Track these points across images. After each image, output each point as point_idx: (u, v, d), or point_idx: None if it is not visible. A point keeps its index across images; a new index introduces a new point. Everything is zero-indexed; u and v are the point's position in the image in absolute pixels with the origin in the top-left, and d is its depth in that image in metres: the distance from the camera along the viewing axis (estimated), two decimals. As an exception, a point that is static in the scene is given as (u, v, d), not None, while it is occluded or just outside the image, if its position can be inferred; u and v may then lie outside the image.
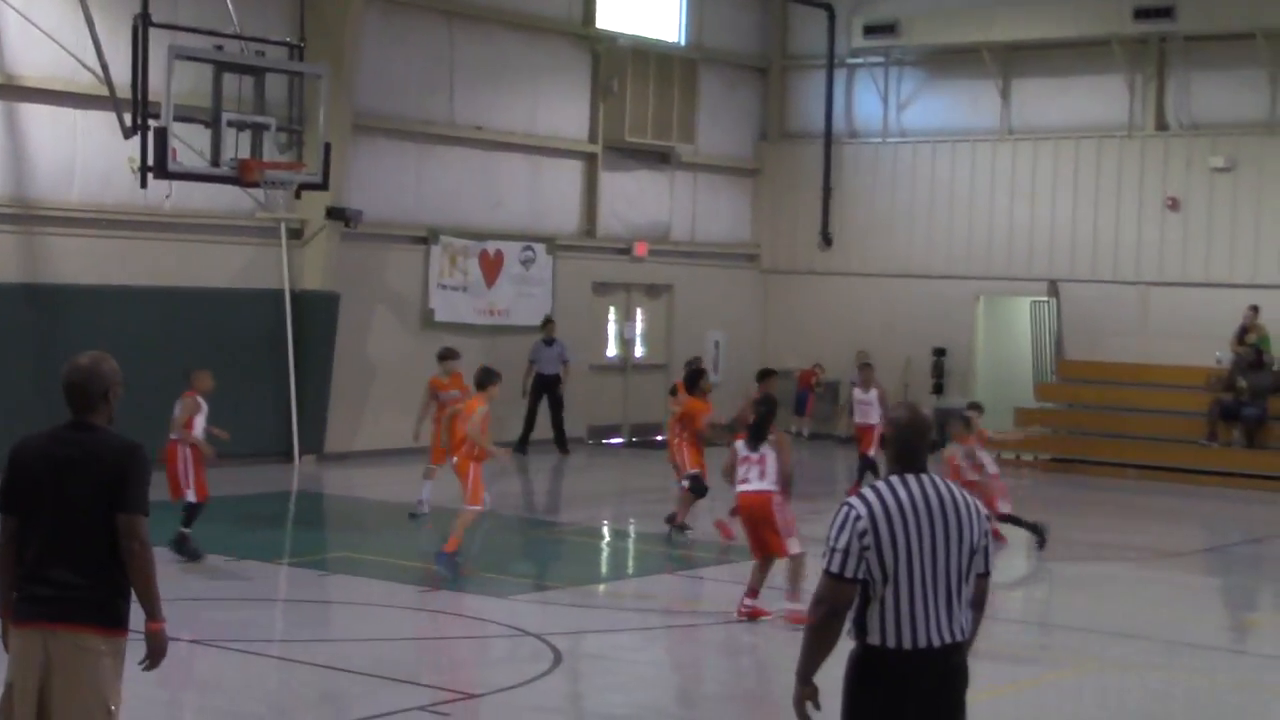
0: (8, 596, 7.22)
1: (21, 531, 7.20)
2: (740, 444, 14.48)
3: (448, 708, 11.03)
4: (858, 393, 22.99)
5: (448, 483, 17.15)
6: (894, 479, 6.59)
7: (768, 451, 14.32)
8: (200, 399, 16.09)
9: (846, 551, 6.41)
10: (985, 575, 6.73)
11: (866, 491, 6.56)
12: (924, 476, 6.63)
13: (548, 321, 27.07)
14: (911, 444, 6.71)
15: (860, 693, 6.52)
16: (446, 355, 19.74)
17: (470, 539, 16.11)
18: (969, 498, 6.69)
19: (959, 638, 6.59)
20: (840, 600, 6.45)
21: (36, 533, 7.15)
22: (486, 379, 16.19)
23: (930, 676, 6.51)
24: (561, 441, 27.16)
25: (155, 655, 7.25)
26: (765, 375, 19.30)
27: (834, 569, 6.44)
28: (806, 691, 6.56)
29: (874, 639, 6.47)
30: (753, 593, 14.19)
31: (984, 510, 6.77)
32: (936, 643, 6.47)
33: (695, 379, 19.52)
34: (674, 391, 20.84)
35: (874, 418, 21.83)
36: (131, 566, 7.09)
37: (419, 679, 11.87)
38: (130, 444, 7.24)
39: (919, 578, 6.45)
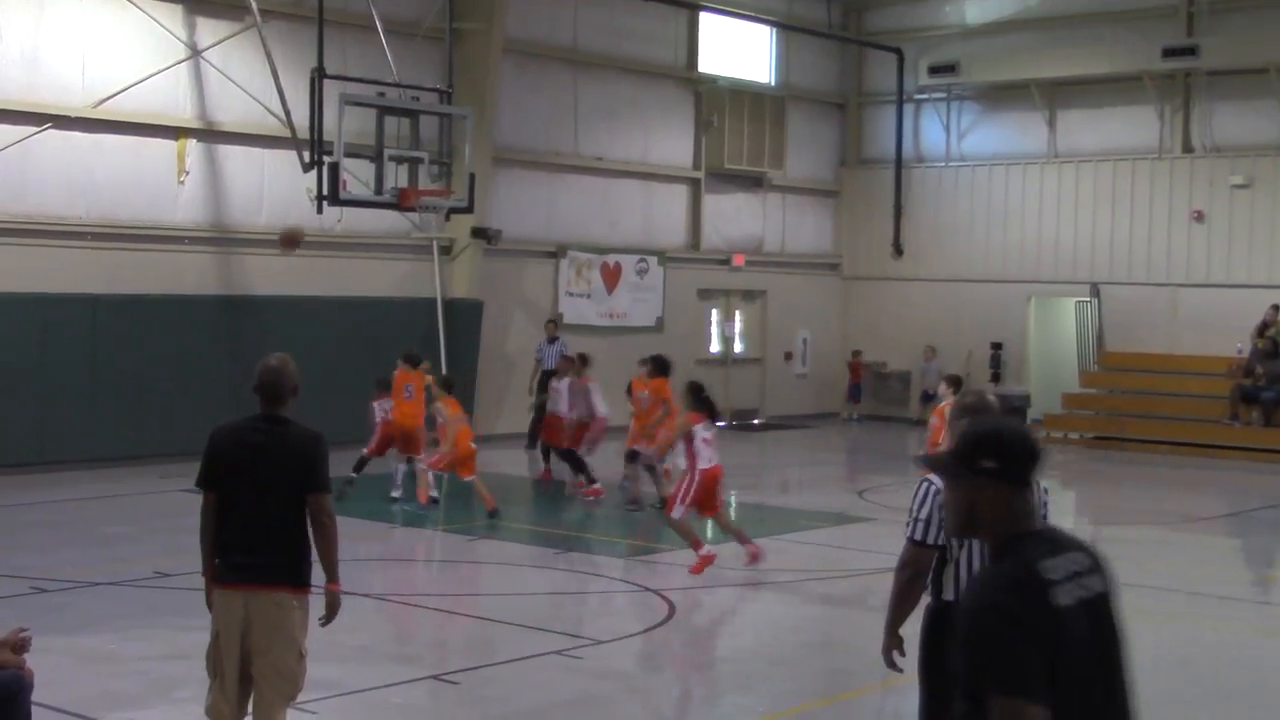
0: (210, 561, 7.31)
1: (221, 507, 7.27)
2: (702, 426, 14.14)
3: (579, 652, 11.00)
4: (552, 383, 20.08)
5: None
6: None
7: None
8: None
9: (928, 521, 6.32)
10: None
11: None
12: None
13: (549, 322, 25.16)
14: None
15: (937, 643, 6.41)
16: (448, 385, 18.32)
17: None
18: None
19: (1021, 594, 6.46)
20: (923, 564, 6.36)
21: (235, 509, 7.23)
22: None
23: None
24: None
25: (332, 611, 7.44)
26: (662, 367, 18.24)
27: (917, 536, 6.34)
28: (893, 642, 6.49)
29: (949, 595, 6.37)
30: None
31: (1045, 484, 6.63)
32: (1004, 599, 6.36)
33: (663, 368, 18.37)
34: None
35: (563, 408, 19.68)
36: (320, 536, 7.24)
37: (554, 627, 11.86)
38: (314, 433, 7.35)
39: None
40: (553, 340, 24.37)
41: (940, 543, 6.33)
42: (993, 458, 3.90)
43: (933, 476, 6.42)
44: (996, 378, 29.49)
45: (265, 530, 7.20)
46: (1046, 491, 6.59)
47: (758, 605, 13.50)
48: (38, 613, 11.19)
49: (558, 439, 19.74)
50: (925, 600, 6.50)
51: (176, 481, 17.76)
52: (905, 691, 8.45)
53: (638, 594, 13.38)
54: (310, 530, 7.25)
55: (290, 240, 16.42)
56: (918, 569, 6.37)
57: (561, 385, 19.79)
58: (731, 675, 10.87)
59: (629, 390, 20.13)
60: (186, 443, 20.01)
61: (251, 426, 7.35)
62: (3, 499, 16.62)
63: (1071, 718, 3.66)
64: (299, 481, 7.22)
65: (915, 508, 6.37)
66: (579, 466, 19.19)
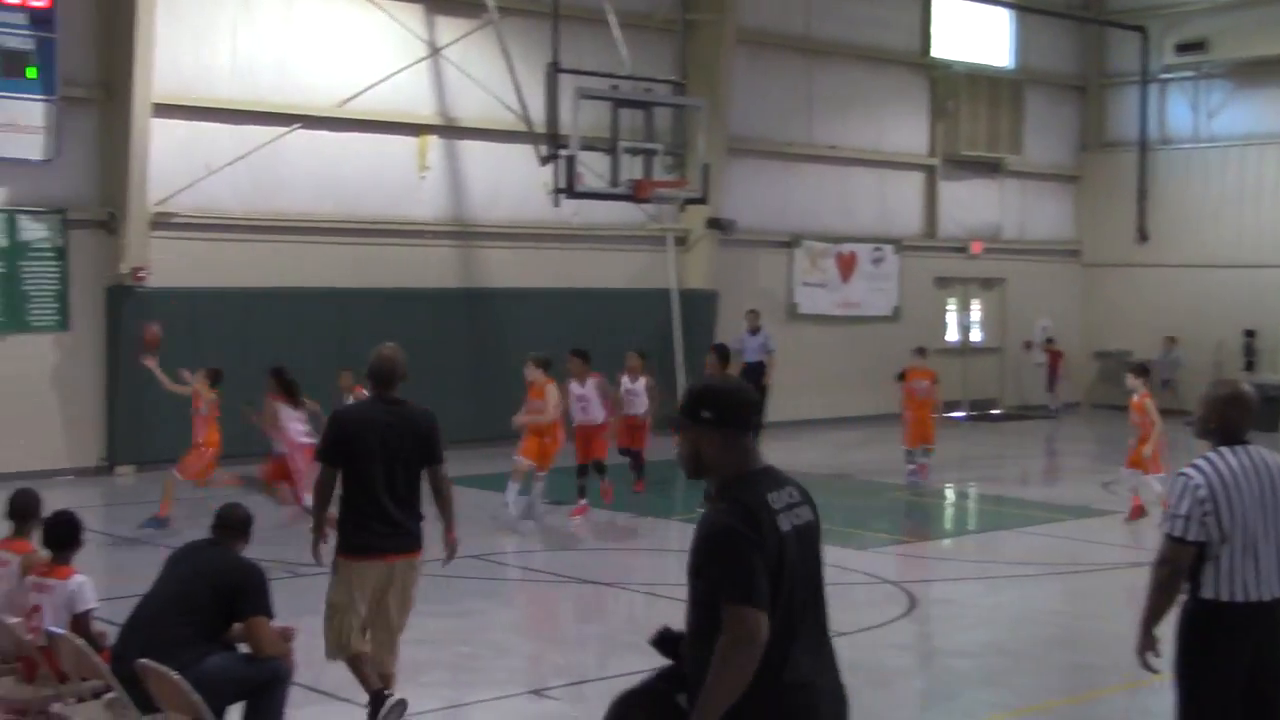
0: (324, 521, 8.34)
1: (352, 483, 8.06)
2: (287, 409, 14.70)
3: (819, 644, 10.95)
4: (625, 381, 17.36)
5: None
6: (1224, 450, 6.25)
7: None
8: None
9: (1188, 517, 6.12)
10: None
11: (1200, 462, 6.22)
12: (1249, 447, 6.27)
13: (751, 312, 24.22)
14: (1234, 418, 6.35)
15: (1196, 642, 6.21)
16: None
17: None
18: None
19: (1285, 591, 6.23)
20: (1182, 560, 6.15)
21: (370, 484, 8.03)
22: None
23: (1261, 627, 6.17)
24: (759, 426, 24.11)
25: (453, 554, 8.60)
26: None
27: (1176, 532, 6.14)
28: (1148, 641, 6.29)
29: (1208, 593, 6.17)
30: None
31: None
32: (1268, 596, 6.14)
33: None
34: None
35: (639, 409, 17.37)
36: (444, 500, 8.36)
37: (793, 619, 11.82)
38: (429, 411, 8.35)
39: (1252, 538, 6.12)
40: (754, 331, 23.97)
41: (1200, 539, 6.12)
42: (709, 409, 4.69)
43: (1189, 470, 6.21)
44: (1250, 366, 28.43)
45: (399, 502, 8.11)
46: None
47: (999, 599, 13.26)
48: (293, 596, 11.58)
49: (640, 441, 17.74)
50: (1182, 598, 6.29)
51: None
52: (1155, 691, 8.21)
53: (877, 586, 13.27)
54: (434, 493, 8.30)
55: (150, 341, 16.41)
56: (1176, 566, 6.16)
57: (638, 386, 17.51)
58: (973, 669, 10.70)
59: (900, 378, 19.81)
60: (429, 432, 20.61)
61: (375, 408, 8.31)
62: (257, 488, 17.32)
63: (787, 623, 4.54)
64: (422, 454, 8.20)
65: (1173, 502, 6.18)
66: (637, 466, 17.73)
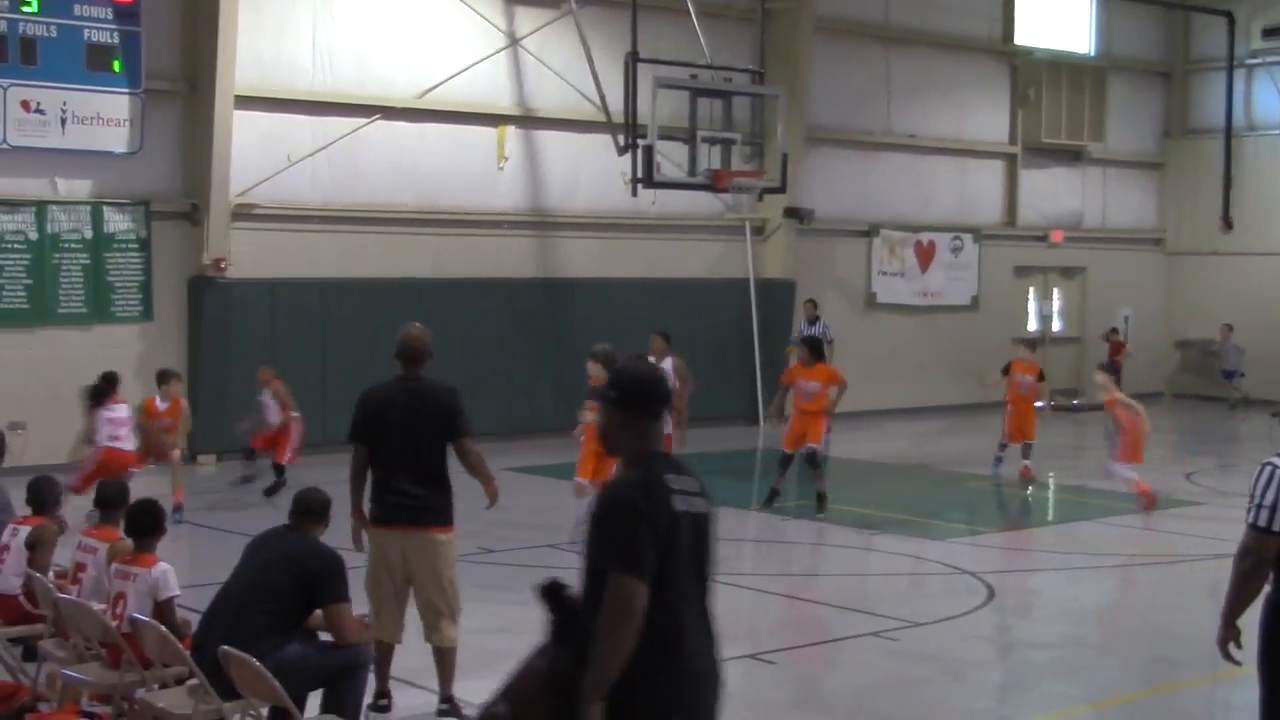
0: (359, 504, 8.61)
1: (375, 457, 8.45)
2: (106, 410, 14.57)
3: (897, 633, 10.92)
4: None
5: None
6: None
7: None
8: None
9: (1274, 507, 6.01)
10: None
11: (1287, 451, 6.14)
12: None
13: (809, 302, 23.64)
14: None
15: (1279, 635, 6.11)
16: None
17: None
18: None
19: (1375, 582, 6.12)
20: (1265, 551, 6.06)
21: (389, 459, 8.37)
22: None
23: (1347, 618, 6.07)
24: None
25: (494, 500, 8.93)
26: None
27: (1260, 522, 6.05)
28: (1230, 633, 6.21)
29: (1292, 584, 6.08)
30: None
31: None
32: (1352, 588, 6.04)
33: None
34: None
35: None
36: (475, 466, 8.68)
37: (870, 609, 11.78)
38: (451, 387, 8.65)
39: (1338, 529, 6.02)
40: (812, 322, 23.72)
41: (1285, 530, 6.03)
42: (615, 389, 5.00)
43: (1276, 459, 6.12)
44: (1336, 357, 27.99)
45: (418, 477, 8.38)
46: None
47: (1078, 590, 13.14)
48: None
49: None
50: (1266, 590, 6.20)
51: (499, 460, 18.27)
52: (1238, 684, 8.10)
53: (955, 576, 13.18)
54: (464, 467, 8.57)
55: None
56: (1260, 557, 6.06)
57: (664, 366, 14.73)
58: (1051, 661, 10.61)
59: (1005, 371, 19.35)
60: (510, 421, 20.71)
61: (398, 386, 8.54)
62: (336, 475, 17.49)
63: (673, 600, 4.75)
64: (443, 429, 8.43)
65: (1258, 492, 6.08)
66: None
